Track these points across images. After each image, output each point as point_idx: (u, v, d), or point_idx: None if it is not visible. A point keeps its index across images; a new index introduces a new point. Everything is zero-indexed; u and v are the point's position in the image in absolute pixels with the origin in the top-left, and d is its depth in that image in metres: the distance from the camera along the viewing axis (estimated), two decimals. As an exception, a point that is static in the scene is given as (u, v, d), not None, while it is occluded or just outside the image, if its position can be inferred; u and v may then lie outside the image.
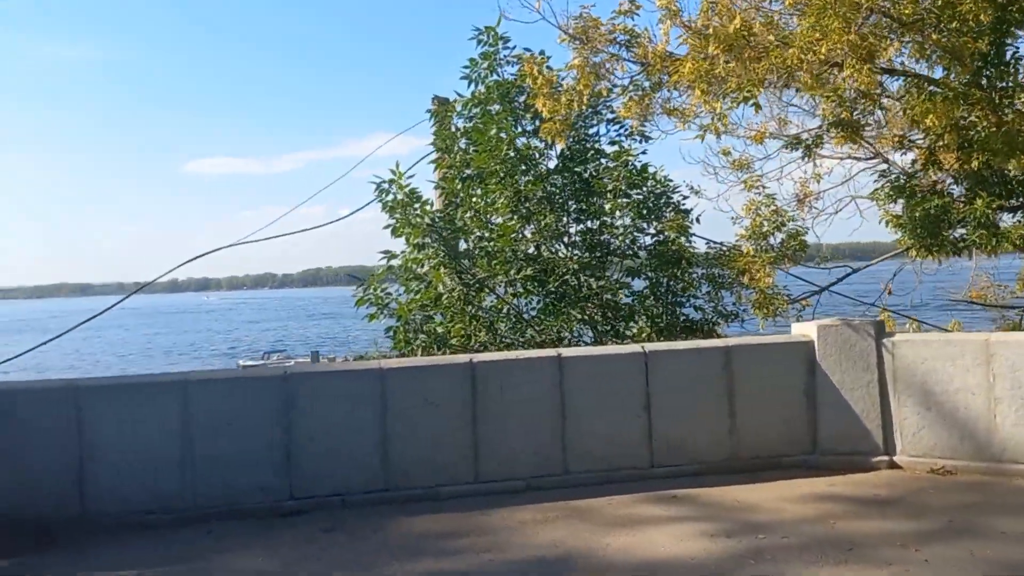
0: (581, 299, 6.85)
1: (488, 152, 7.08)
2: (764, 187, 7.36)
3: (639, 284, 7.74)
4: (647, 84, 6.29)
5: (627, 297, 7.22)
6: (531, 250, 7.10)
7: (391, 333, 7.25)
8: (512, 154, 7.17)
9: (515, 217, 7.00)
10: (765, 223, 7.13)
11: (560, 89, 6.30)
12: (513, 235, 6.93)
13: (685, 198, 7.72)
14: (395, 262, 7.39)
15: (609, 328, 6.86)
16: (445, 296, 6.80)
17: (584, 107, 6.52)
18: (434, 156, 8.42)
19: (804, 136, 7.89)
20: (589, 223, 7.52)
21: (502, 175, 7.11)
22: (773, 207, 7.22)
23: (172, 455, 5.10)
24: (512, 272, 6.80)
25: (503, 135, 7.30)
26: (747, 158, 8.01)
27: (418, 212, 6.99)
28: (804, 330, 5.93)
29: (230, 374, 5.94)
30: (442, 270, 6.85)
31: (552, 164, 7.60)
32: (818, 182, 8.20)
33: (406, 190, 7.16)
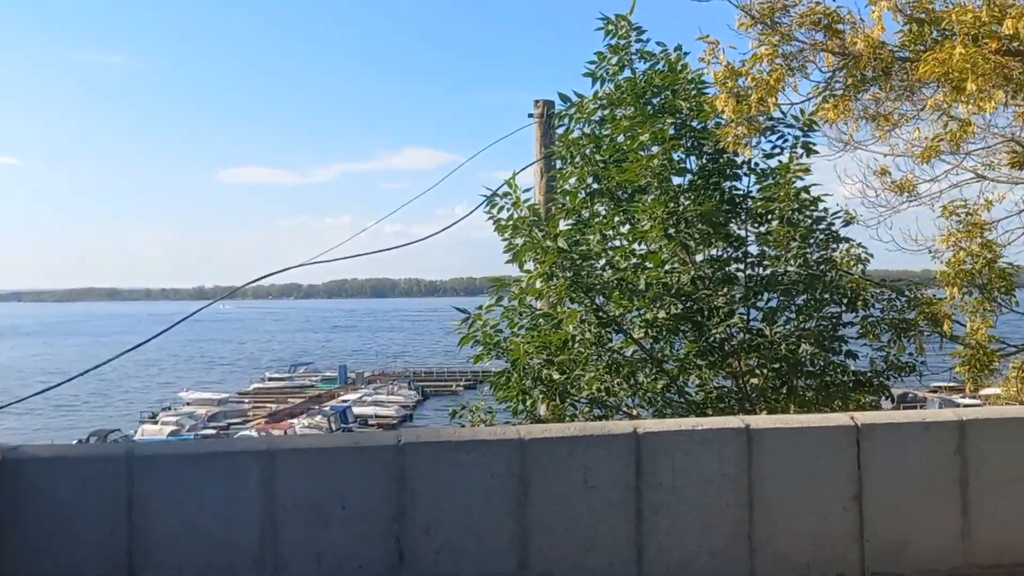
0: (750, 348, 5.55)
1: (638, 162, 5.79)
2: (969, 213, 6.06)
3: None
4: (846, 82, 5.04)
5: (808, 347, 5.87)
6: (686, 284, 5.79)
7: (503, 380, 5.95)
8: (666, 164, 5.88)
9: (669, 243, 5.71)
10: (970, 259, 5.82)
11: (743, 86, 5.07)
12: (665, 266, 5.65)
13: (846, 224, 6.43)
14: (506, 291, 6.12)
15: (780, 384, 5.56)
16: (578, 338, 5.52)
17: (775, 107, 5.28)
18: (536, 166, 7.18)
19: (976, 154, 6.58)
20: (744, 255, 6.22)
21: (655, 190, 5.82)
22: (980, 239, 5.92)
23: (248, 545, 3.88)
24: (658, 310, 5.52)
25: (653, 144, 5.99)
26: (911, 179, 6.69)
27: (546, 234, 5.71)
28: (1057, 400, 4.60)
29: (324, 442, 4.62)
30: (574, 306, 5.60)
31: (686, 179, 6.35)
32: (988, 210, 6.87)
33: (527, 206, 5.93)
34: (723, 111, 5.07)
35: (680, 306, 5.48)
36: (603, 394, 5.54)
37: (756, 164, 6.29)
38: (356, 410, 60.29)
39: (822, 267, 6.06)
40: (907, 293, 5.96)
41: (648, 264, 5.65)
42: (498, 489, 4.13)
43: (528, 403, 5.65)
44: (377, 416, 61.03)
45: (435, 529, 4.06)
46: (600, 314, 5.42)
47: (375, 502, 4.04)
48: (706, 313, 5.52)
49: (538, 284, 5.78)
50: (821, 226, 6.16)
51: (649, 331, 5.72)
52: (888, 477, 4.36)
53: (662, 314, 5.45)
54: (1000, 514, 4.41)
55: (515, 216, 5.92)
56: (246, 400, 71.54)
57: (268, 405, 67.77)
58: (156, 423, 56.71)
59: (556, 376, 5.74)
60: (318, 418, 55.83)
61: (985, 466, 4.42)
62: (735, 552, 4.24)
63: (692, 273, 5.54)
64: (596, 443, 4.27)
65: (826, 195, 6.18)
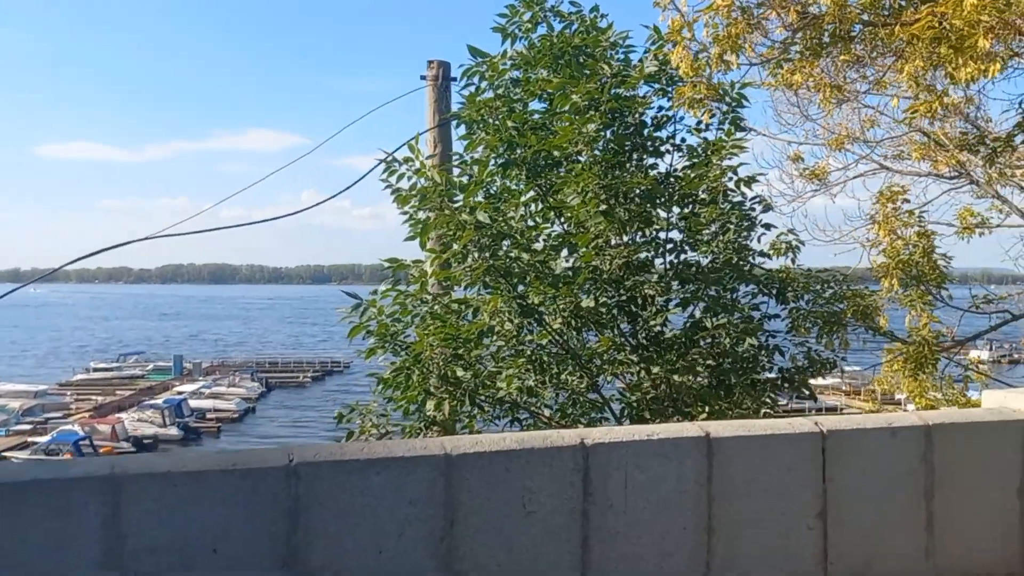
0: (691, 342, 4.92)
1: (571, 126, 4.97)
2: (906, 200, 5.76)
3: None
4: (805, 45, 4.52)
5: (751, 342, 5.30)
6: (616, 270, 5.03)
7: (397, 378, 5.01)
8: (601, 130, 5.12)
9: (602, 221, 4.94)
10: (908, 248, 5.51)
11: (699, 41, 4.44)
12: (597, 248, 4.89)
13: (765, 211, 5.98)
14: (405, 274, 5.18)
15: (716, 383, 4.98)
16: (496, 329, 4.67)
17: (737, 66, 4.67)
18: (430, 136, 6.31)
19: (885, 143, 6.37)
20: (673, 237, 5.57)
21: (587, 160, 5.03)
22: (917, 227, 5.62)
23: None
24: (585, 298, 4.77)
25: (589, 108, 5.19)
26: (824, 166, 6.40)
27: (460, 207, 4.81)
28: (1014, 402, 4.29)
29: (190, 464, 3.45)
30: (486, 293, 4.76)
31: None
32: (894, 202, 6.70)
33: (437, 172, 5.03)
34: (678, 67, 4.44)
35: (611, 294, 4.80)
36: (522, 395, 4.80)
37: (683, 140, 5.75)
38: (193, 403, 56.49)
39: (741, 255, 5.59)
40: (833, 286, 5.63)
41: (574, 244, 4.92)
42: (417, 520, 3.30)
43: (432, 405, 4.79)
44: (216, 410, 57.52)
45: (341, 571, 3.18)
46: (521, 302, 4.66)
47: (258, 543, 3.11)
48: (640, 302, 4.89)
49: (438, 267, 4.89)
50: (745, 209, 5.68)
51: (572, 322, 5.01)
52: (854, 490, 3.89)
53: (587, 303, 4.75)
54: (965, 527, 4.04)
55: (419, 185, 5.04)
56: (68, 392, 65.58)
57: (93, 397, 62.34)
58: (-42, 419, 50.69)
59: (462, 374, 4.93)
60: (150, 412, 51.86)
61: (950, 475, 4.04)
62: (692, 583, 3.63)
63: (625, 256, 4.85)
64: (537, 458, 3.51)
65: (759, 175, 5.74)
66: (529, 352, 4.78)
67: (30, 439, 46.13)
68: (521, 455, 3.49)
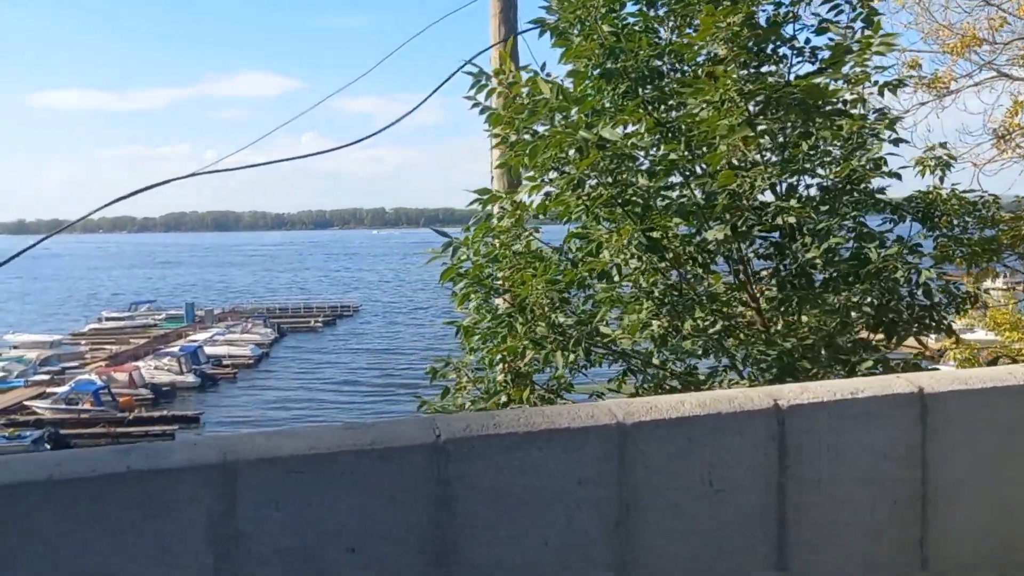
0: (855, 277, 4.15)
1: (711, 18, 4.07)
2: None
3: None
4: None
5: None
6: (757, 197, 4.23)
7: (502, 327, 4.28)
8: (752, 24, 4.25)
9: (752, 140, 4.13)
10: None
11: None
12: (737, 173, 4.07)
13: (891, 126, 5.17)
14: (494, 209, 4.41)
15: (877, 323, 4.27)
16: (623, 268, 3.93)
17: None
18: (494, 52, 5.53)
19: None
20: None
21: (730, 65, 4.15)
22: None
23: None
24: (724, 228, 4.01)
25: None
26: (948, 72, 5.60)
27: (575, 123, 3.98)
28: None
29: (319, 443, 2.77)
30: (604, 226, 4.03)
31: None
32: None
33: (544, 82, 4.23)
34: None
35: (751, 223, 4.05)
36: (653, 344, 4.12)
37: (807, 40, 4.88)
38: (208, 350, 56.37)
39: (872, 175, 4.83)
40: (981, 210, 4.91)
41: (706, 167, 4.14)
42: (588, 503, 2.70)
43: (541, 356, 4.12)
44: (231, 356, 57.44)
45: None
46: (648, 235, 3.94)
47: (403, 539, 2.52)
48: (787, 233, 4.16)
49: (566, 195, 4.09)
50: (876, 121, 4.87)
51: (698, 258, 4.27)
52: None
53: (715, 234, 3.99)
54: None
55: (519, 100, 4.26)
56: (82, 341, 65.56)
57: (108, 347, 62.31)
58: (-22, 370, 50.63)
59: (564, 319, 4.24)
60: (166, 360, 51.72)
61: None
62: (901, 568, 3.04)
63: (773, 178, 4.06)
64: (725, 424, 2.88)
65: (897, 81, 4.88)
66: (658, 293, 4.07)
67: (48, 389, 46.07)
68: (705, 422, 2.86)
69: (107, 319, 75.93)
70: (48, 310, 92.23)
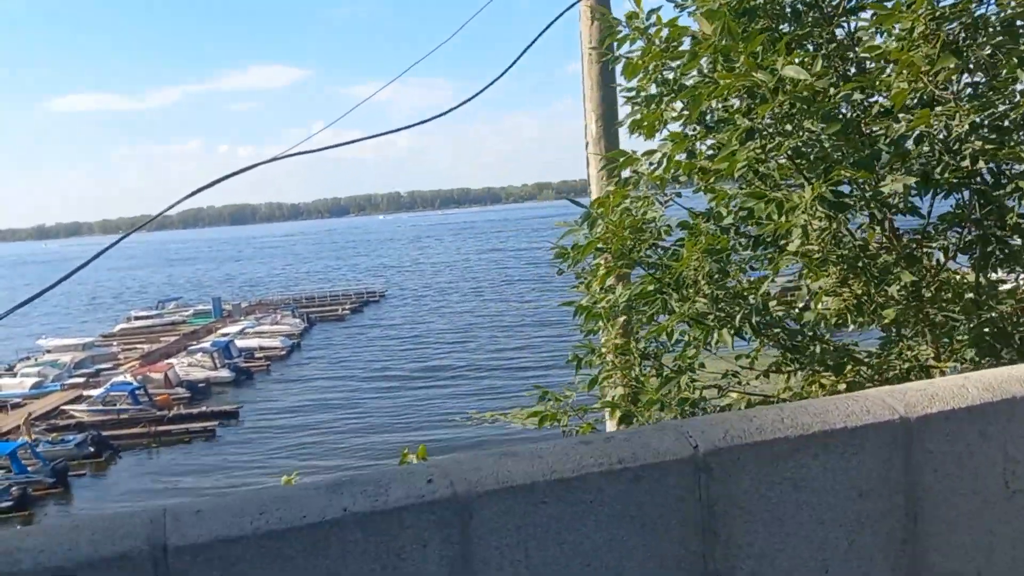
0: None
1: None
2: None
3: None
4: None
5: None
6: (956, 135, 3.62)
7: (655, 302, 3.72)
8: None
9: (956, 69, 3.53)
10: None
11: None
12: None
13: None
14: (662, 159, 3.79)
15: None
16: (808, 230, 3.37)
17: None
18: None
19: None
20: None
21: None
22: None
23: None
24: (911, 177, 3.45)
25: None
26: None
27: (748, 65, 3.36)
28: None
29: (568, 459, 2.25)
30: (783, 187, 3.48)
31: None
32: None
33: (700, 19, 3.68)
34: None
35: (953, 167, 3.47)
36: (841, 318, 3.61)
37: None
38: (240, 343, 56.38)
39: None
40: None
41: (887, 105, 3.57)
42: (870, 518, 2.23)
43: (702, 335, 3.63)
44: (262, 348, 57.46)
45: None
46: (834, 190, 3.40)
47: (666, 574, 2.05)
48: (993, 178, 3.60)
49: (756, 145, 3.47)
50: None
51: (878, 213, 3.74)
52: None
53: (891, 186, 3.45)
54: None
55: (655, 47, 3.72)
56: (113, 342, 65.87)
57: (139, 346, 62.57)
58: (15, 375, 50.76)
59: (719, 293, 3.73)
60: (199, 356, 51.77)
61: None
62: None
63: (976, 111, 3.46)
64: (1021, 412, 2.38)
65: None
66: (848, 255, 3.53)
67: (84, 392, 46.26)
68: (999, 410, 2.36)
69: (136, 318, 76.24)
70: (75, 313, 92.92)
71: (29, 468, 32.84)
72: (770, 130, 3.34)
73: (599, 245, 3.84)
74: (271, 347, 57.80)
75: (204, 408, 43.39)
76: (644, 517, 2.06)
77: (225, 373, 50.04)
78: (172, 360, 51.41)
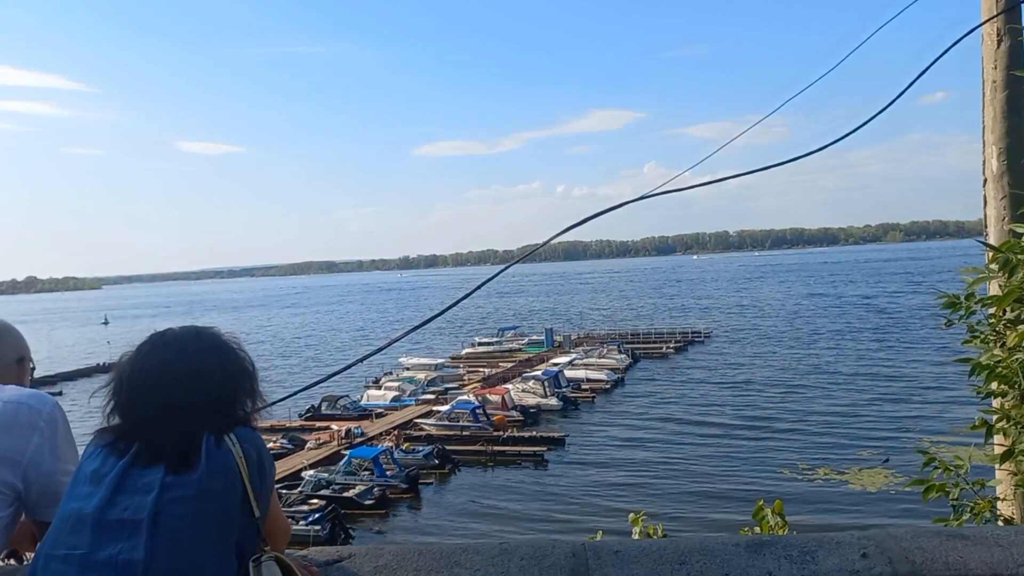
0: None
1: None
2: None
3: None
4: None
5: None
6: None
7: None
8: None
9: None
10: None
11: None
12: None
13: None
14: None
15: None
16: None
17: None
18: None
19: None
20: None
21: None
22: None
23: None
24: None
25: None
26: None
27: None
28: None
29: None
30: None
31: None
32: None
33: None
34: None
35: None
36: None
37: None
38: (568, 373, 58.97)
39: None
40: None
41: None
42: None
43: None
44: (589, 380, 59.43)
45: None
46: None
47: None
48: None
49: None
50: None
51: None
52: None
53: None
54: None
55: None
56: (460, 365, 72.58)
57: (481, 370, 68.24)
58: (380, 388, 58.48)
59: None
60: (531, 383, 54.99)
61: None
62: None
63: None
64: None
65: None
66: None
67: (434, 408, 51.45)
68: None
69: (479, 344, 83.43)
70: (428, 335, 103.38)
71: (388, 472, 37.30)
72: None
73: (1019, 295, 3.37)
74: (597, 379, 59.55)
75: (535, 433, 45.86)
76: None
77: (554, 401, 52.51)
78: (508, 385, 55.19)
